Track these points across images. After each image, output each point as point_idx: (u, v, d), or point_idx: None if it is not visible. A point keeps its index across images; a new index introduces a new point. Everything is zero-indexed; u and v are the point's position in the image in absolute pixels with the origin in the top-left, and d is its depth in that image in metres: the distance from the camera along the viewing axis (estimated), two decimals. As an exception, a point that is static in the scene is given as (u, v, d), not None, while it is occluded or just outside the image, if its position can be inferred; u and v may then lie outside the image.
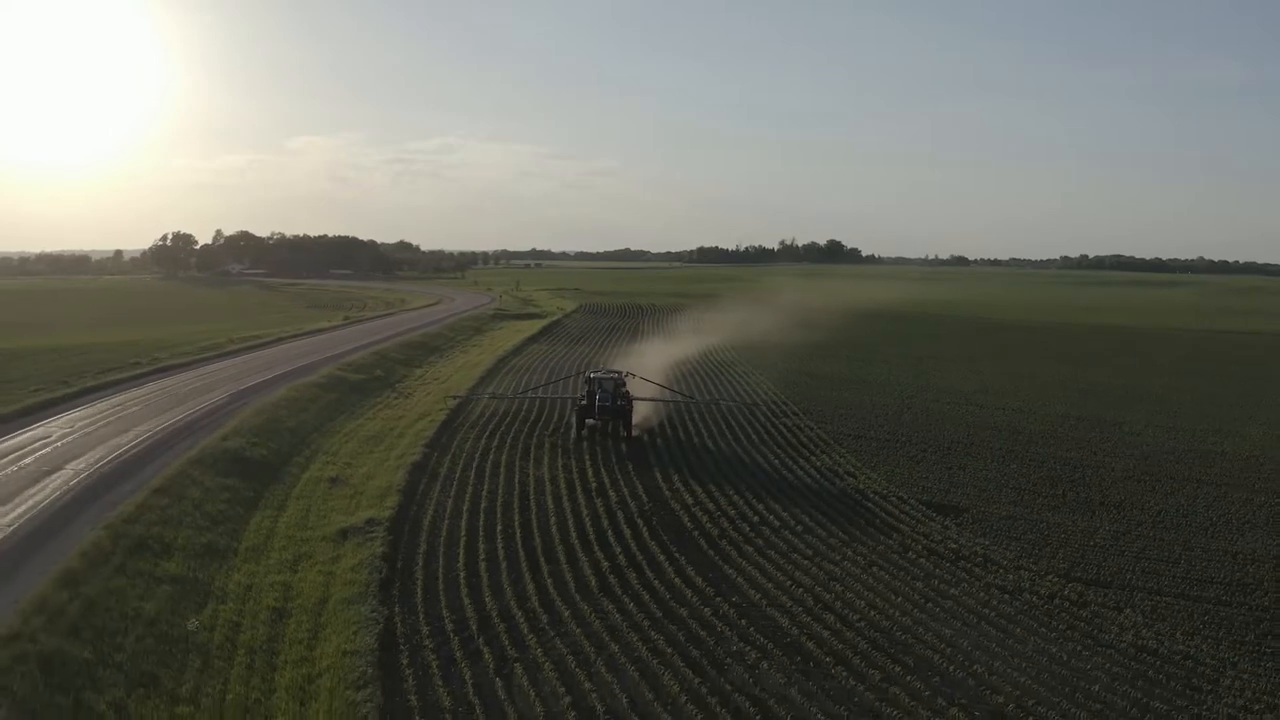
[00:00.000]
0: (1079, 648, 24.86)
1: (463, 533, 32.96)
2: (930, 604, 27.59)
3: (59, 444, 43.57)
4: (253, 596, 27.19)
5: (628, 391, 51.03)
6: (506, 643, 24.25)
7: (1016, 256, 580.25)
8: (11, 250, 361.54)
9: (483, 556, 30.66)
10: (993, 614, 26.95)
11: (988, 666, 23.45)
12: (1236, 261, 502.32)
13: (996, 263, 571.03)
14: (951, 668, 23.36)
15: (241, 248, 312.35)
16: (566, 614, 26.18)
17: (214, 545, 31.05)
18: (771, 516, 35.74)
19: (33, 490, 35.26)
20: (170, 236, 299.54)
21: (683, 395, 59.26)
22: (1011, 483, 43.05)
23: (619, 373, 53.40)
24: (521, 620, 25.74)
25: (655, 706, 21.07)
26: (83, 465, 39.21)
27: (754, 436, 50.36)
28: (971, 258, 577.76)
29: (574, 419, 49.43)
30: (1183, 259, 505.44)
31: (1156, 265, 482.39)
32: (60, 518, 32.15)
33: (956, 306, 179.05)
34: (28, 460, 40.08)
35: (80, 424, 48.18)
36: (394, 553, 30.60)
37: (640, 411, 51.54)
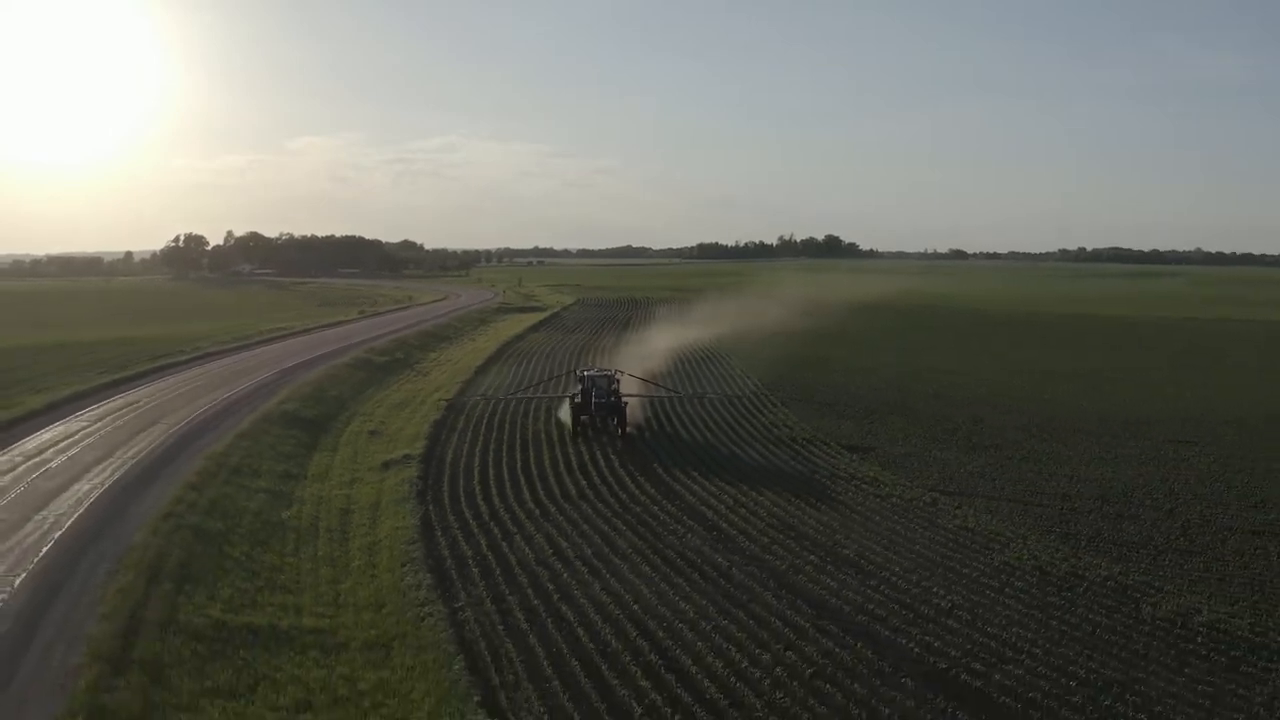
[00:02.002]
0: (917, 527, 34.77)
1: (476, 463, 43.02)
2: (820, 504, 37.51)
3: (146, 408, 53.70)
4: (324, 502, 37.27)
5: (619, 389, 51.39)
6: (509, 524, 34.26)
7: (1016, 250, 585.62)
8: (17, 252, 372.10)
9: (492, 478, 40.69)
10: (862, 509, 36.88)
11: (845, 535, 33.39)
12: (1234, 253, 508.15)
13: (995, 256, 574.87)
14: (820, 537, 33.26)
15: (251, 248, 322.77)
16: (553, 510, 36.20)
17: (289, 472, 41.18)
18: (715, 453, 45.75)
19: (142, 437, 45.41)
20: (182, 238, 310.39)
21: (668, 390, 61.44)
22: (921, 433, 52.93)
23: (611, 371, 55.08)
24: (520, 513, 35.75)
25: (611, 556, 31.01)
26: (173, 421, 49.35)
27: (717, 402, 60.13)
28: (970, 252, 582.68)
29: (569, 416, 50.17)
30: (1180, 251, 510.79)
31: (1154, 257, 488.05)
32: (170, 453, 42.32)
33: (949, 299, 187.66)
34: (128, 417, 50.27)
35: (158, 394, 58.40)
36: (426, 475, 40.70)
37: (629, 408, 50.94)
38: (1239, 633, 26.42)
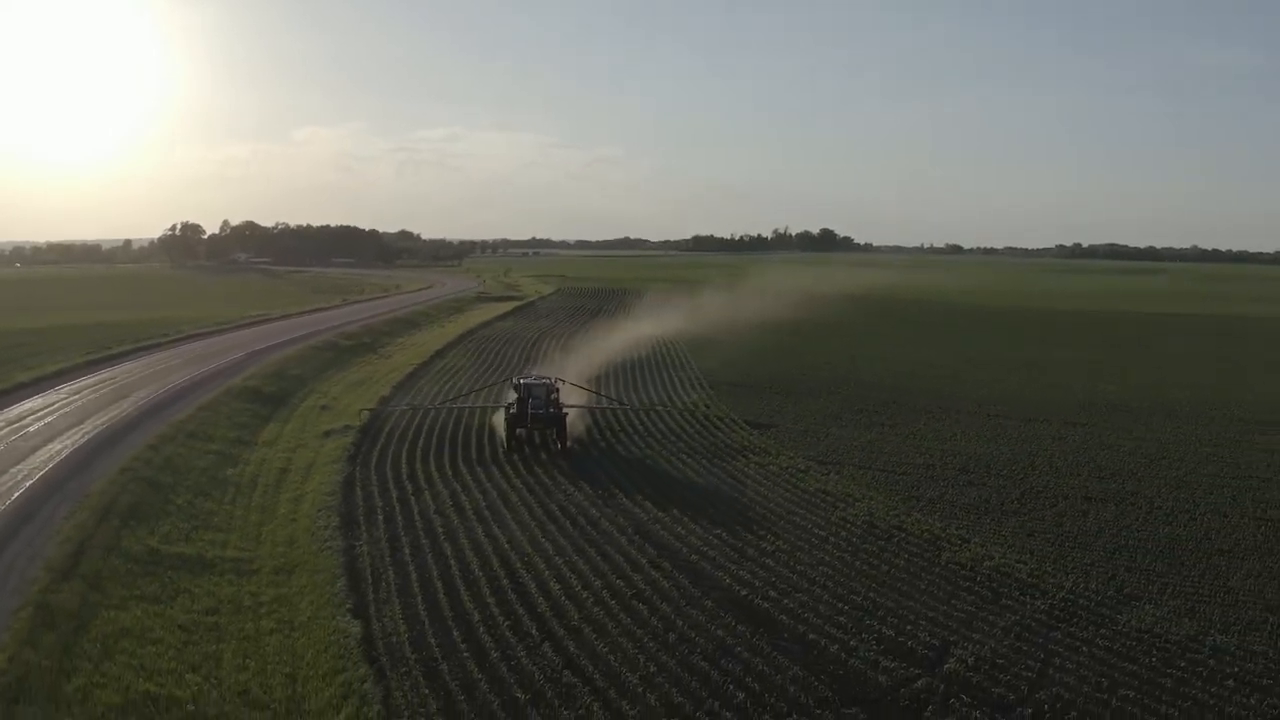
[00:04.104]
0: (780, 489, 39.82)
1: (410, 434, 48.16)
2: (704, 469, 42.63)
3: (122, 383, 58.92)
4: (266, 463, 42.43)
5: (559, 399, 48.02)
6: (422, 483, 39.41)
7: (1013, 245, 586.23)
8: (19, 239, 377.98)
9: (419, 446, 45.83)
10: (739, 475, 41.93)
11: (717, 493, 38.53)
12: (1229, 250, 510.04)
13: (992, 251, 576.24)
14: (690, 495, 38.37)
15: (247, 237, 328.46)
16: (465, 472, 41.35)
17: (241, 439, 46.36)
18: (628, 425, 50.88)
19: (113, 408, 50.64)
20: (179, 226, 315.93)
21: (613, 400, 58.55)
22: (826, 411, 57.88)
23: (550, 378, 51.29)
24: (435, 475, 40.88)
25: (502, 508, 36.12)
26: (143, 395, 54.56)
27: (641, 387, 65.20)
28: (967, 246, 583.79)
29: (504, 429, 46.80)
30: (1176, 248, 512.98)
31: (1150, 254, 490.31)
32: (136, 421, 47.57)
33: (936, 293, 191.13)
34: (104, 391, 55.51)
35: (136, 371, 63.68)
36: (360, 442, 45.90)
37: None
38: (1017, 575, 31.31)
